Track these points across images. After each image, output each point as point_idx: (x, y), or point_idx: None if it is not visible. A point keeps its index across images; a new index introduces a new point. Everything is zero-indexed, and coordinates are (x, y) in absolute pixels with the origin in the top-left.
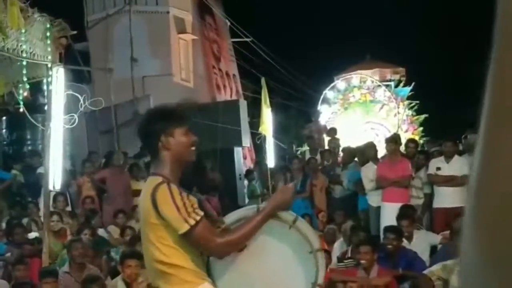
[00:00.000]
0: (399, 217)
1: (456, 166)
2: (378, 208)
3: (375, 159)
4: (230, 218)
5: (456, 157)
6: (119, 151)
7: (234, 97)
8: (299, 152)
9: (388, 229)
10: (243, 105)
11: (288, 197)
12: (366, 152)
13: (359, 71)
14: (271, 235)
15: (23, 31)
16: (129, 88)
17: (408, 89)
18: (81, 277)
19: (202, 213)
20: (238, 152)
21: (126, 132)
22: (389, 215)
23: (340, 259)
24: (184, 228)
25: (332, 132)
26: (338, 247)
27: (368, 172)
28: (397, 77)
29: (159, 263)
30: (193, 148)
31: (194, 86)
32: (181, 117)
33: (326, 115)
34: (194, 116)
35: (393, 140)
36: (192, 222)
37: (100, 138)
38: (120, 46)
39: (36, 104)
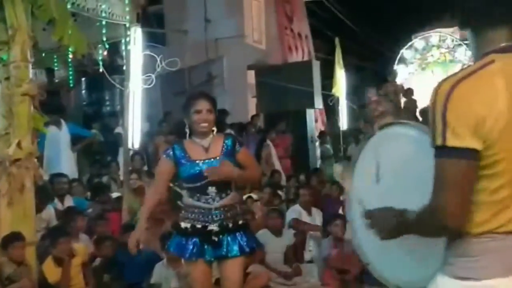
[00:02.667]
0: None
1: None
2: None
3: None
4: None
5: None
6: None
7: (306, 58)
8: None
9: None
10: (316, 66)
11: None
12: None
13: (438, 29)
14: None
15: None
16: (203, 50)
17: None
18: (159, 233)
19: None
20: (310, 114)
21: None
22: None
23: None
24: None
25: (409, 93)
26: None
27: None
28: None
29: None
30: None
31: (266, 48)
32: None
33: (403, 75)
34: (266, 77)
35: None
36: None
37: (174, 100)
38: (194, 8)
39: (114, 65)
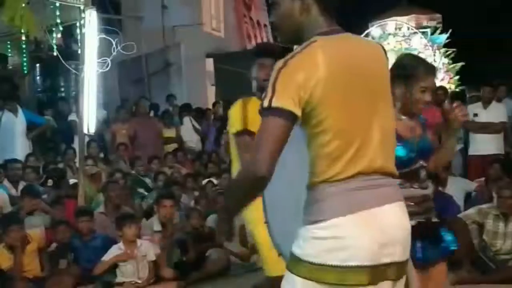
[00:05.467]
0: None
1: (494, 112)
2: None
3: None
4: None
5: (493, 103)
6: (144, 99)
7: None
8: None
9: None
10: None
11: None
12: None
13: (394, 17)
14: None
15: None
16: (160, 37)
17: (444, 36)
18: (114, 217)
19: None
20: None
21: (157, 80)
22: None
23: None
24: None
25: None
26: None
27: None
28: (433, 23)
29: None
30: None
31: (225, 36)
32: None
33: None
34: (225, 64)
35: None
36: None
37: (132, 87)
38: None
39: (69, 50)
